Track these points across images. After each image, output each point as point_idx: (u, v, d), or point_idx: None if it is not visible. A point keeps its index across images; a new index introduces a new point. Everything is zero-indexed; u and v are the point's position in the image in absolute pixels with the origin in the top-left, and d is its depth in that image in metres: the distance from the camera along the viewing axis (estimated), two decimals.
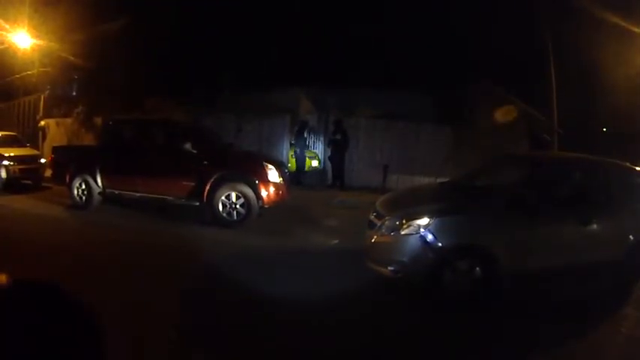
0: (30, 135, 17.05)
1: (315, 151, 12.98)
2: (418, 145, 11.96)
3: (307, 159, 11.90)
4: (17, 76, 17.97)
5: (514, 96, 14.41)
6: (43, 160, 10.76)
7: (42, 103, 16.06)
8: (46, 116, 15.88)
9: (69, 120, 14.46)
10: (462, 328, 3.80)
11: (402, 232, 4.18)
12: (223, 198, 6.83)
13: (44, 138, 15.73)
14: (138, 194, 7.43)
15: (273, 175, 6.98)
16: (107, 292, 3.54)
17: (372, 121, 12.27)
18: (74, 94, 16.56)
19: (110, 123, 8.77)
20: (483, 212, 4.33)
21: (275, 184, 7.00)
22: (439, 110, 13.91)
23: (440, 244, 4.06)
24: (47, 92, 16.08)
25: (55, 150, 8.93)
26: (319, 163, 12.58)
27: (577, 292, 4.57)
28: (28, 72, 17.08)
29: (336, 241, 6.22)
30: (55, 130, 15.20)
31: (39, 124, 15.93)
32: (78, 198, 7.85)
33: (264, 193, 6.83)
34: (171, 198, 7.21)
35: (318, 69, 15.59)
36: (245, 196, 6.78)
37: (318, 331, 3.52)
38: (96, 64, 13.66)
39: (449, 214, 4.31)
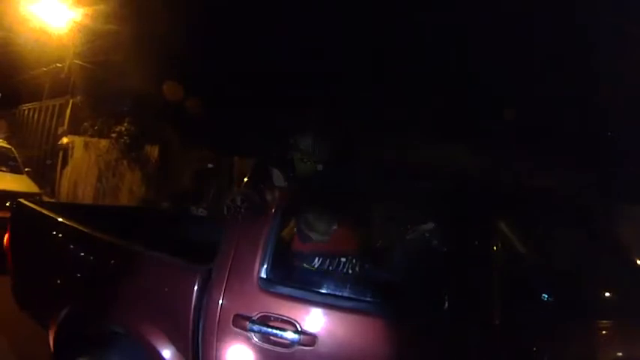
0: (48, 154, 12.00)
1: None
2: None
3: None
4: (44, 69, 13.13)
5: None
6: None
7: (69, 110, 11.02)
8: (71, 131, 10.75)
9: (103, 142, 9.10)
10: None
11: None
12: None
13: (64, 163, 10.61)
14: None
15: None
16: None
17: None
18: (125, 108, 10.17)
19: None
20: None
21: None
22: None
23: None
24: (79, 97, 11.00)
25: (18, 213, 3.16)
26: None
27: None
28: (57, 64, 12.21)
29: None
30: (81, 153, 10.04)
31: (60, 141, 10.86)
32: None
33: None
34: None
35: None
36: None
37: None
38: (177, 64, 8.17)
39: None
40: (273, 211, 1.75)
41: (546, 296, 2.20)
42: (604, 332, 2.07)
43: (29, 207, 2.78)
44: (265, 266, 1.69)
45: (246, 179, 1.96)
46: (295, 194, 2.26)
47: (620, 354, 2.07)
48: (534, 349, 1.76)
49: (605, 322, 2.04)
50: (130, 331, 1.98)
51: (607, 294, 2.41)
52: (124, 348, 1.99)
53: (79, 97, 11.10)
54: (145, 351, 1.88)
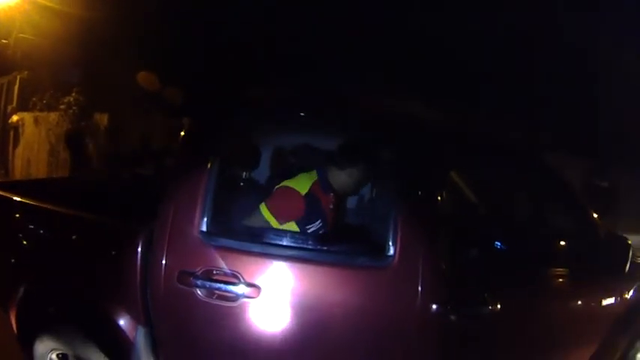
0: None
1: None
2: None
3: None
4: None
5: None
6: None
7: (17, 87, 10.36)
8: (21, 108, 10.20)
9: (52, 115, 8.68)
10: None
11: None
12: None
13: (16, 141, 10.09)
14: None
15: None
16: None
17: None
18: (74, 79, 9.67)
19: None
20: None
21: None
22: None
23: None
24: (26, 72, 10.32)
25: None
26: None
27: None
28: (3, 40, 11.39)
29: None
30: (32, 129, 9.54)
31: (10, 120, 10.29)
32: None
33: None
34: None
35: None
36: None
37: None
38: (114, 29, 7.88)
39: None
40: (210, 162, 1.68)
41: (499, 244, 2.21)
42: (557, 280, 2.10)
43: None
44: (205, 219, 1.61)
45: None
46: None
47: (573, 301, 2.12)
48: (485, 295, 1.75)
49: (558, 269, 2.06)
50: (85, 303, 1.89)
51: (560, 242, 2.44)
52: (82, 321, 1.91)
53: (26, 72, 10.46)
54: (102, 322, 1.80)
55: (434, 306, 1.63)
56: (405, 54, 6.72)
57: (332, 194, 2.04)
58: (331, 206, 2.06)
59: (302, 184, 1.97)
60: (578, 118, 6.65)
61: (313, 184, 2.00)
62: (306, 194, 1.95)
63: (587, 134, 6.73)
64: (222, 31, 7.54)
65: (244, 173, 2.08)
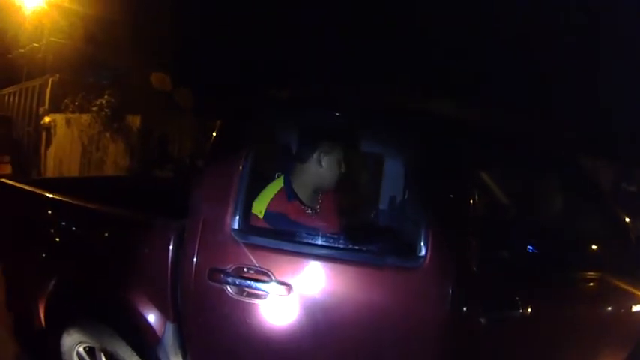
0: (32, 136, 11.78)
1: None
2: None
3: None
4: (21, 50, 12.74)
5: None
6: None
7: (49, 90, 10.68)
8: (53, 110, 10.51)
9: (84, 117, 8.90)
10: None
11: None
12: None
13: (48, 142, 10.42)
14: None
15: None
16: None
17: None
18: (105, 81, 9.94)
19: None
20: None
21: None
22: None
23: None
24: (58, 75, 10.64)
25: None
26: None
27: None
28: (34, 44, 11.84)
29: None
30: (64, 131, 9.81)
31: (42, 121, 10.63)
32: None
33: None
34: None
35: None
36: None
37: None
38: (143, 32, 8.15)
39: None
40: (243, 160, 1.69)
41: (531, 248, 2.15)
42: (589, 284, 2.05)
43: (8, 185, 2.68)
44: (237, 217, 1.61)
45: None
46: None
47: (604, 306, 2.06)
48: (516, 299, 1.70)
49: (590, 274, 2.00)
50: (115, 298, 1.90)
51: (592, 246, 2.36)
52: (111, 315, 1.92)
53: (58, 75, 10.80)
54: (130, 317, 1.80)
55: (464, 308, 1.60)
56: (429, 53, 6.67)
57: (297, 201, 1.89)
58: (308, 211, 1.92)
59: (259, 204, 1.84)
60: (601, 120, 6.46)
61: (274, 197, 1.86)
62: (265, 215, 1.82)
63: (610, 136, 6.52)
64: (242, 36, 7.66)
65: (277, 172, 2.05)
